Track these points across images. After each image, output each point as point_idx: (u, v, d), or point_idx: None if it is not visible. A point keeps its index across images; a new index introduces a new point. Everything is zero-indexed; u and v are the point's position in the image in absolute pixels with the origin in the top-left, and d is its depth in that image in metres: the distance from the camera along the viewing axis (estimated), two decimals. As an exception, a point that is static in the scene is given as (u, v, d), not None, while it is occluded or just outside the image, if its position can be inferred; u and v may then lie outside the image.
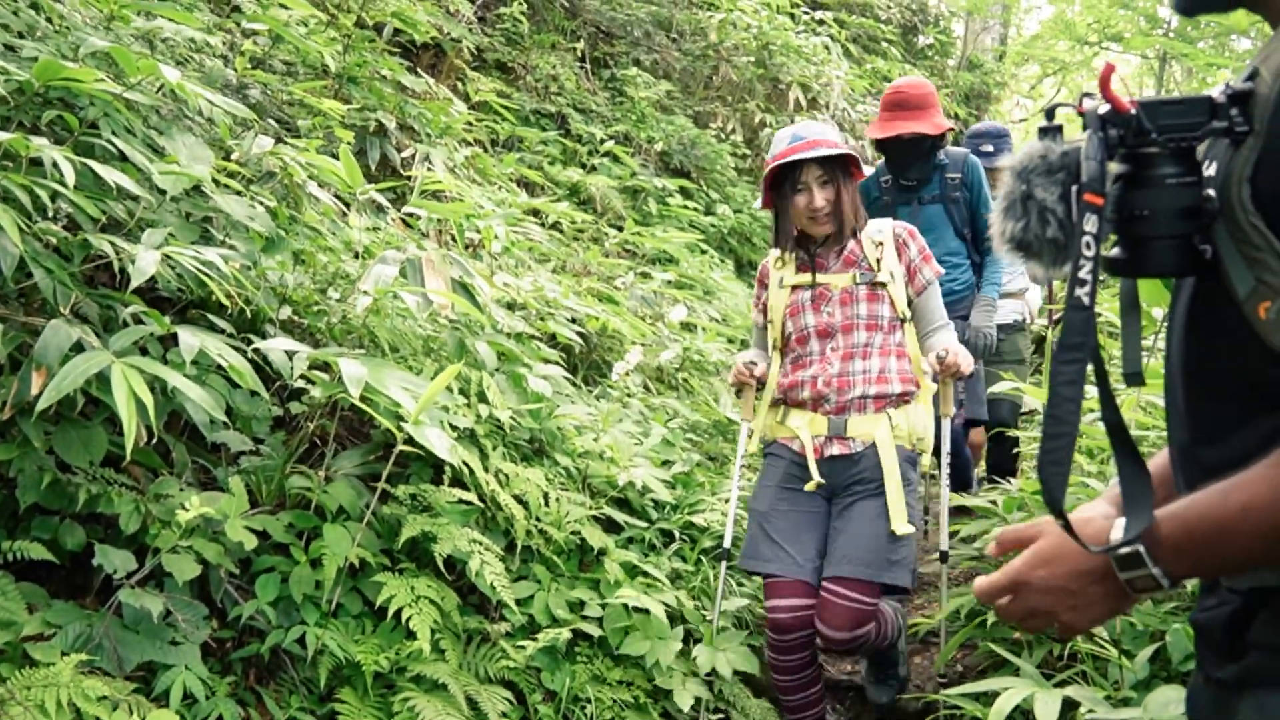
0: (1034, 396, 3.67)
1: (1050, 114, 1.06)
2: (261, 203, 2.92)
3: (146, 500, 2.36)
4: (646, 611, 2.98)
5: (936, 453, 3.15)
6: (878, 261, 2.84)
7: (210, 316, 2.68)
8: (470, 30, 6.48)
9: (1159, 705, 2.01)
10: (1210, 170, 0.97)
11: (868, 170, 3.00)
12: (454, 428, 2.91)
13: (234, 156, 3.04)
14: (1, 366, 2.20)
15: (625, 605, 2.99)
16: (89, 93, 2.51)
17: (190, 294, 2.67)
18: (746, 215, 7.44)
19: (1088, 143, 0.97)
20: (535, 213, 5.26)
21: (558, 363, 3.76)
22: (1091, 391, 1.11)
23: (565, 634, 2.83)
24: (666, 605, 3.00)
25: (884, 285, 2.84)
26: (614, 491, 3.46)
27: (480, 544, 2.76)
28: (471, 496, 2.86)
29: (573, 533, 3.14)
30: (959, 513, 4.14)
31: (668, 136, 7.43)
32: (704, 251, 6.64)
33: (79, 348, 2.13)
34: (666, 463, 3.77)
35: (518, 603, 2.83)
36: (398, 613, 2.52)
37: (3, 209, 2.08)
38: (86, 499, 2.27)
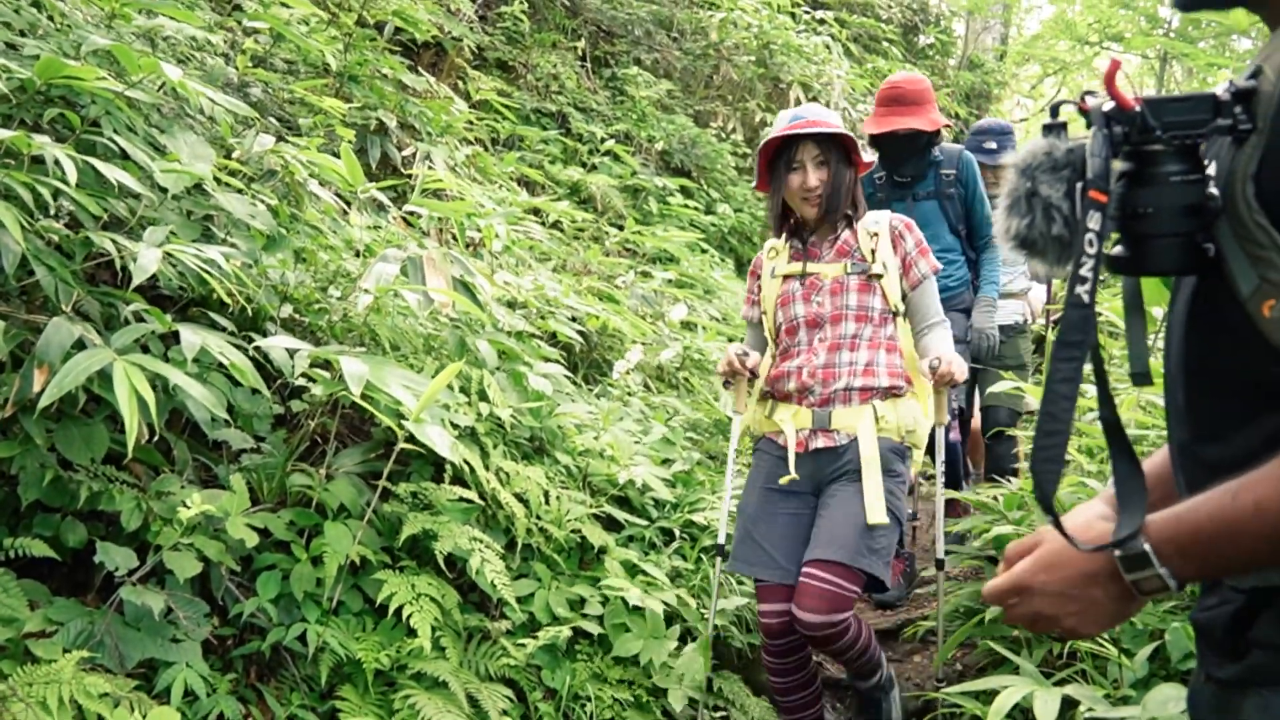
0: (1036, 396, 3.67)
1: (1054, 111, 1.06)
2: (263, 201, 2.93)
3: (148, 498, 2.37)
4: (643, 610, 2.98)
5: (931, 453, 3.12)
6: (872, 252, 2.79)
7: (211, 314, 2.69)
8: (471, 29, 6.48)
9: (1158, 704, 2.02)
10: (1211, 168, 0.97)
11: (868, 156, 2.90)
12: (455, 426, 2.91)
13: (235, 155, 3.04)
14: (3, 364, 2.20)
15: (624, 601, 3.00)
16: (91, 91, 2.52)
17: (191, 292, 2.68)
18: (747, 214, 7.45)
19: (1093, 139, 0.97)
20: (536, 211, 5.26)
21: (558, 361, 3.77)
22: (1090, 390, 1.11)
23: (566, 632, 2.83)
24: (666, 604, 3.01)
25: (876, 277, 2.78)
26: (614, 490, 3.46)
27: (481, 542, 2.76)
28: (472, 494, 2.86)
29: (573, 531, 3.14)
30: (952, 507, 4.14)
31: (668, 136, 7.43)
32: (704, 250, 6.65)
33: (81, 345, 2.13)
34: (667, 461, 3.77)
35: (518, 600, 2.83)
36: (398, 610, 2.53)
37: (5, 206, 2.09)
38: (88, 496, 2.27)
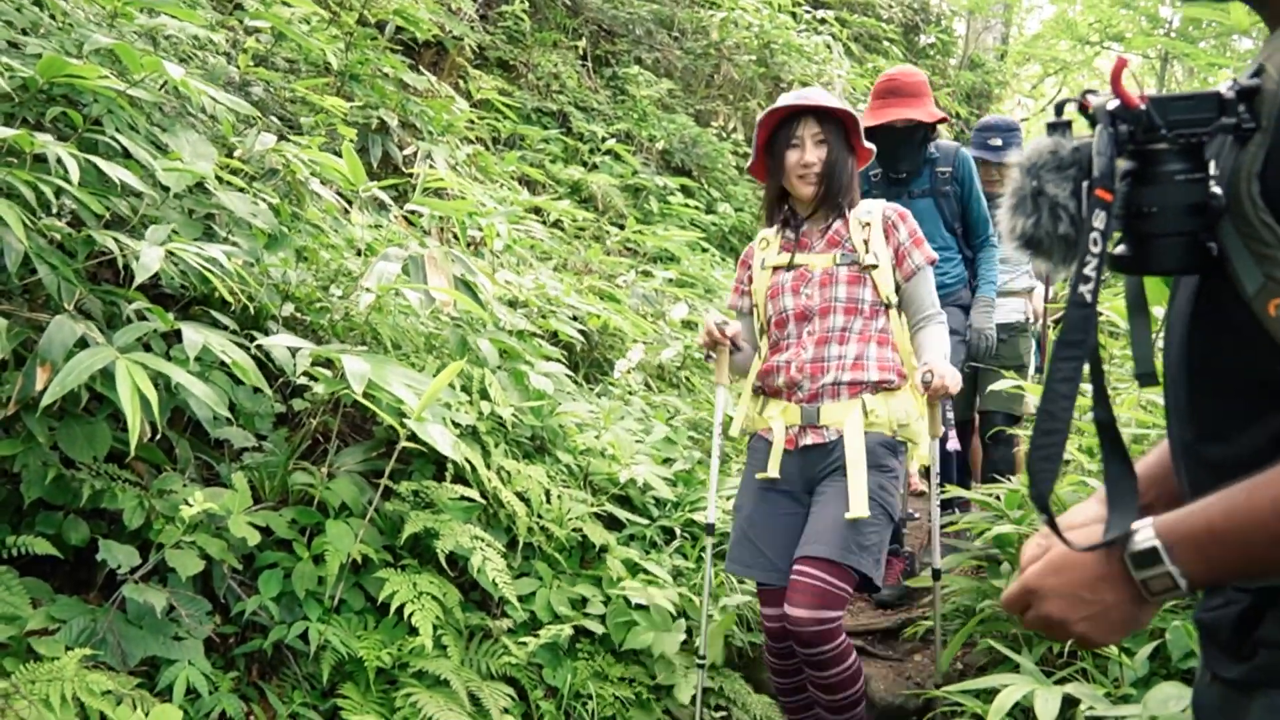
0: (1036, 395, 3.65)
1: (1059, 109, 1.05)
2: (264, 200, 2.93)
3: (150, 496, 2.37)
4: (647, 608, 2.98)
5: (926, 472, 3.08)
6: (864, 243, 2.70)
7: (213, 313, 2.69)
8: (472, 28, 6.48)
9: (1159, 702, 2.02)
10: (1212, 168, 0.97)
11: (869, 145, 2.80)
12: (456, 425, 2.92)
13: (237, 153, 3.05)
14: (6, 362, 2.20)
15: (625, 600, 3.00)
16: (93, 89, 2.52)
17: (193, 290, 2.68)
18: (748, 214, 7.45)
19: (1098, 137, 0.96)
20: (537, 211, 5.26)
21: (559, 360, 3.77)
22: (1089, 388, 1.10)
23: (567, 630, 2.84)
24: (669, 602, 3.01)
25: (867, 268, 2.68)
26: (615, 489, 3.46)
27: (482, 540, 2.76)
28: (473, 493, 2.87)
29: (574, 530, 3.15)
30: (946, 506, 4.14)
31: (669, 135, 7.44)
32: (705, 250, 6.65)
33: (83, 344, 2.14)
34: (668, 460, 3.78)
35: (520, 599, 2.83)
36: (400, 609, 2.53)
37: (7, 205, 2.09)
38: (90, 494, 2.27)
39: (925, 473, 3.11)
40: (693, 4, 8.75)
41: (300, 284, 3.04)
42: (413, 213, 3.88)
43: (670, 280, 5.58)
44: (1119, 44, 13.09)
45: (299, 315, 3.04)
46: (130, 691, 2.07)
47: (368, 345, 3.07)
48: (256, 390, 2.62)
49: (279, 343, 2.55)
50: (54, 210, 2.41)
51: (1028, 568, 1.09)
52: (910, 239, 2.74)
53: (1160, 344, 1.13)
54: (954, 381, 2.63)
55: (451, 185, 4.16)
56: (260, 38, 4.06)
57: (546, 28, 7.58)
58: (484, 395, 3.16)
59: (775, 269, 2.79)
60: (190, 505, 2.27)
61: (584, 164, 6.66)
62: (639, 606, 3.01)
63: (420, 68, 5.66)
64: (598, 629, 2.94)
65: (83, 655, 2.03)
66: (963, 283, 4.08)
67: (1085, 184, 0.98)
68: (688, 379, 4.96)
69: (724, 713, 3.10)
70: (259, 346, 2.57)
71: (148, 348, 2.35)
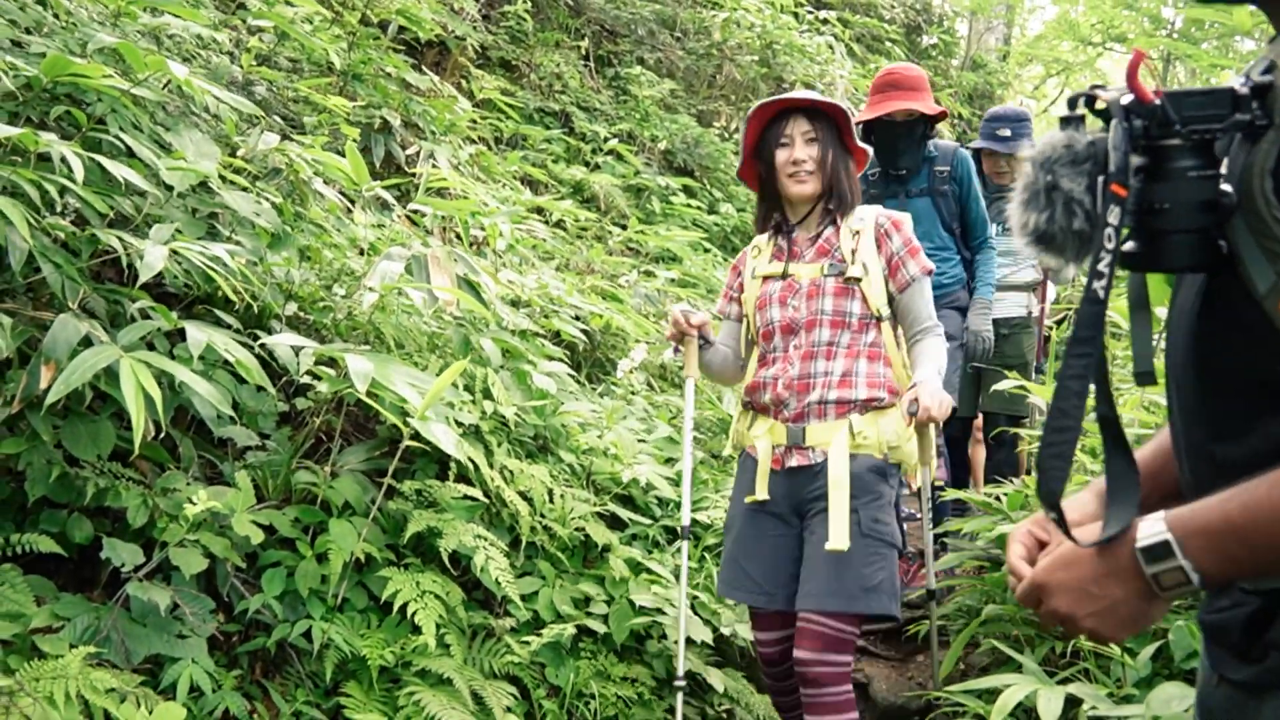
0: (1040, 395, 3.63)
1: (1072, 104, 1.03)
2: (267, 199, 2.93)
3: (154, 494, 2.38)
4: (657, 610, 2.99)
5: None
6: (852, 252, 2.57)
7: (217, 312, 2.69)
8: (475, 28, 6.49)
9: (1161, 702, 2.01)
10: (1223, 165, 0.96)
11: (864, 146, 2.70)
12: (459, 424, 2.92)
13: (240, 153, 3.05)
14: (10, 361, 2.21)
15: (630, 602, 3.00)
16: (97, 89, 2.52)
17: (197, 289, 2.68)
18: (750, 214, 7.43)
19: (1114, 132, 0.95)
20: (539, 210, 5.27)
21: (562, 360, 3.77)
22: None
23: (570, 630, 2.84)
24: (670, 602, 3.02)
25: (854, 280, 2.55)
26: (618, 488, 3.47)
27: (485, 540, 2.77)
28: (476, 492, 2.87)
29: (577, 529, 3.15)
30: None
31: (671, 135, 7.44)
32: (707, 250, 6.65)
33: (87, 342, 2.14)
34: (670, 460, 3.78)
35: (522, 598, 2.84)
36: (403, 607, 2.53)
37: (12, 204, 2.10)
38: (95, 492, 2.28)
39: (916, 494, 3.06)
40: (695, 4, 8.75)
41: (303, 283, 3.05)
42: (416, 212, 3.88)
43: (672, 280, 5.58)
44: (1121, 45, 13.09)
45: (302, 314, 3.04)
46: (134, 689, 2.08)
47: (371, 344, 3.08)
48: (260, 389, 2.62)
49: (282, 342, 2.56)
50: (58, 209, 2.41)
51: (1015, 558, 1.10)
52: (905, 248, 2.60)
53: (1162, 344, 1.12)
54: (941, 410, 2.45)
55: (454, 185, 4.17)
56: (263, 37, 4.06)
57: (549, 28, 7.58)
58: (487, 395, 3.16)
59: (765, 278, 2.68)
60: (194, 504, 2.27)
61: (586, 164, 6.66)
62: (644, 609, 3.01)
63: (423, 67, 5.67)
64: (600, 628, 2.95)
65: (87, 653, 2.03)
66: (960, 284, 4.02)
67: (1101, 179, 0.96)
68: (690, 379, 4.95)
69: (726, 710, 3.10)
70: (262, 345, 2.57)
71: (151, 346, 2.35)
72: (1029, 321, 4.63)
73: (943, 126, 4.01)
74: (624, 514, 3.40)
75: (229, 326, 2.63)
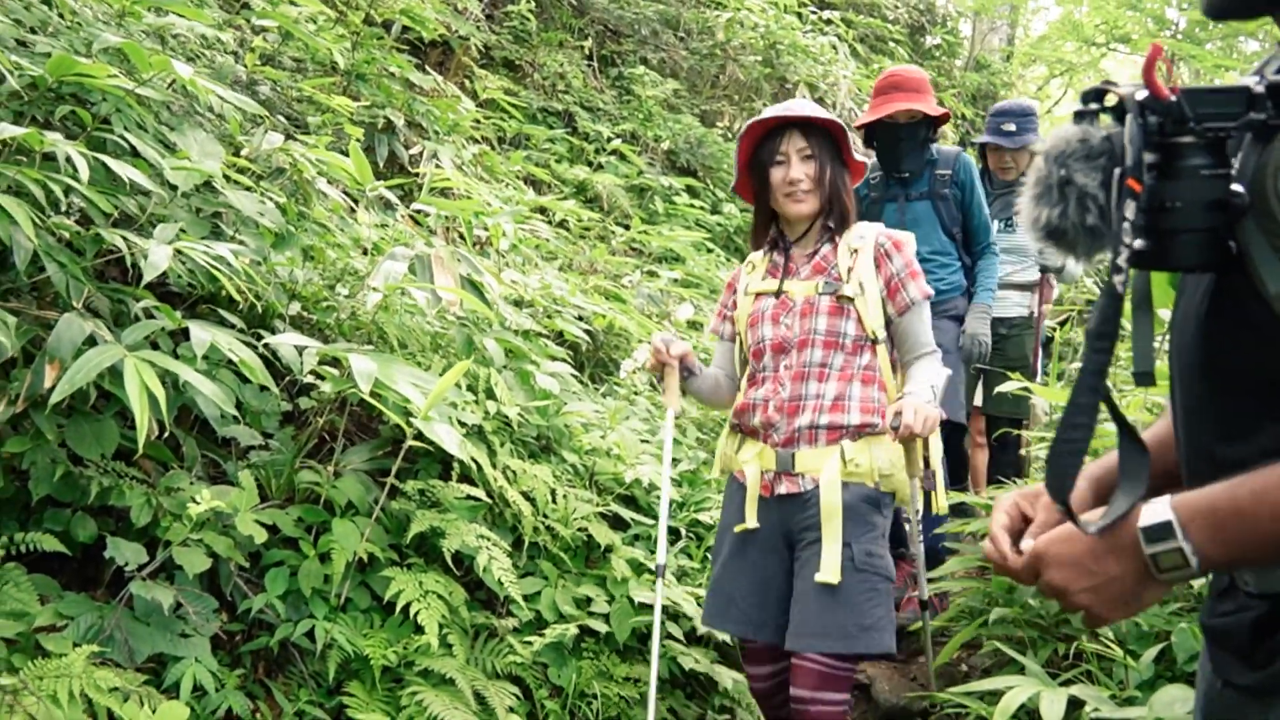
0: (1043, 396, 3.61)
1: (1086, 99, 1.02)
2: (271, 199, 2.94)
3: (157, 493, 2.38)
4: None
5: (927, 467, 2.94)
6: (849, 271, 2.49)
7: (221, 311, 2.70)
8: (478, 28, 6.49)
9: (1164, 705, 2.02)
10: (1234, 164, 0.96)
11: (862, 158, 2.65)
12: (462, 424, 2.92)
13: (244, 152, 3.05)
14: (15, 360, 2.21)
15: (630, 600, 3.00)
16: (101, 88, 2.53)
17: (201, 289, 2.69)
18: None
19: (1129, 127, 0.94)
20: (542, 210, 5.27)
21: (565, 360, 3.77)
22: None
23: (572, 630, 2.84)
24: (672, 601, 3.02)
25: (848, 299, 2.47)
26: (620, 488, 3.47)
27: (488, 540, 2.77)
28: (479, 492, 2.87)
29: (579, 529, 3.15)
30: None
31: (675, 135, 7.44)
32: (710, 250, 6.65)
33: (91, 341, 2.15)
34: (673, 460, 3.78)
35: (525, 598, 2.84)
36: (406, 607, 2.54)
37: (17, 203, 2.10)
38: (98, 492, 2.28)
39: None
40: (698, 4, 8.75)
41: (307, 283, 3.05)
42: (419, 212, 3.89)
43: (675, 280, 5.58)
44: (1125, 45, 13.08)
45: (306, 314, 3.05)
46: (137, 688, 2.08)
47: (374, 344, 3.08)
48: (263, 389, 2.62)
49: (286, 341, 2.56)
50: (63, 208, 2.42)
51: (996, 526, 1.10)
52: (905, 270, 2.51)
53: (1166, 345, 1.12)
54: (925, 426, 2.34)
55: (457, 185, 4.17)
56: (267, 37, 4.06)
57: (552, 28, 7.59)
58: (490, 395, 3.16)
59: (759, 294, 2.60)
60: (197, 503, 2.28)
61: (589, 164, 6.66)
62: (644, 606, 3.01)
63: (426, 67, 5.67)
64: (602, 628, 2.95)
65: (90, 652, 2.04)
66: (959, 291, 3.95)
67: (1116, 174, 0.95)
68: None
69: (727, 714, 3.10)
70: (266, 345, 2.58)
71: (155, 346, 2.36)
72: (1031, 322, 4.59)
73: (946, 129, 3.97)
74: (626, 514, 3.40)
75: (233, 326, 2.63)
